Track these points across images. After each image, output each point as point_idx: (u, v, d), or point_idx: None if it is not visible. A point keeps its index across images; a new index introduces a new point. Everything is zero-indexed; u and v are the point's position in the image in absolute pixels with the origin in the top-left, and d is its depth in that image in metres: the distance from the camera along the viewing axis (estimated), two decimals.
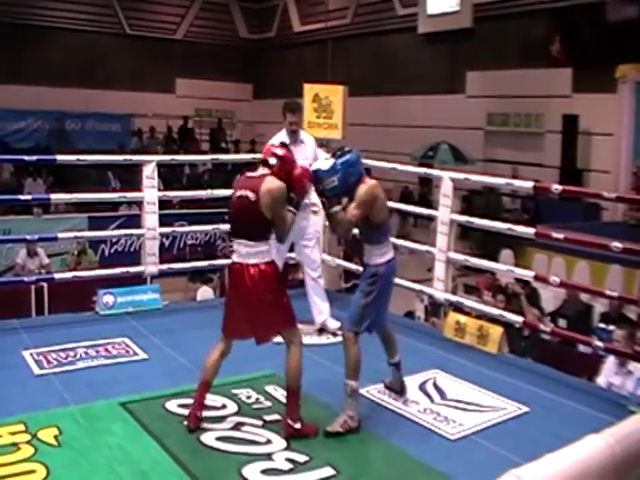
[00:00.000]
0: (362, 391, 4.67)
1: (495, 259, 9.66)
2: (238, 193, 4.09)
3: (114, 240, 12.86)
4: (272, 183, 4.01)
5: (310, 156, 5.81)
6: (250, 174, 4.15)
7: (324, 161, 4.30)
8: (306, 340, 5.73)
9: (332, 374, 4.53)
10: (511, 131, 15.83)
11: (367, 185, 4.23)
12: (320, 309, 6.03)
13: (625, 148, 13.29)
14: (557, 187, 5.63)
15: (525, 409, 4.60)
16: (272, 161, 4.09)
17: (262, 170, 4.11)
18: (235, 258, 4.11)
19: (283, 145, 4.33)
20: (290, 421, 4.04)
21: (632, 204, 11.16)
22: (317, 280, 6.07)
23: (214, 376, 4.21)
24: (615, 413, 4.30)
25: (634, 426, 1.48)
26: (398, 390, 4.71)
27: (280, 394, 4.57)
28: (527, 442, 3.95)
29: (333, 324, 5.87)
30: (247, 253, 4.03)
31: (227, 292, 4.28)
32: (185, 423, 4.09)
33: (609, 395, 5.20)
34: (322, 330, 5.96)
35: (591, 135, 14.09)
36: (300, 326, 6.07)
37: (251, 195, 3.99)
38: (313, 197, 5.55)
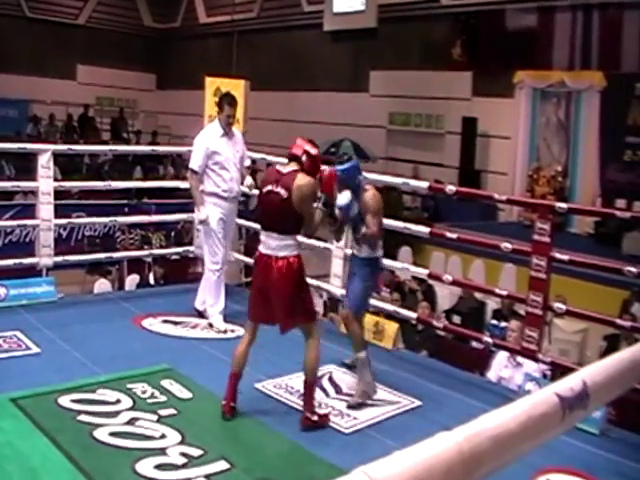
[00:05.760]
0: (258, 385, 4.72)
1: (394, 256, 9.84)
2: (268, 188, 4.22)
3: (8, 230, 12.44)
4: (303, 179, 4.16)
5: (241, 149, 6.06)
6: (281, 169, 4.28)
7: (341, 197, 4.52)
8: (202, 334, 5.77)
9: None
10: (412, 131, 16.10)
11: (371, 192, 4.67)
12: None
13: (521, 151, 13.75)
14: (451, 188, 5.80)
15: (418, 403, 4.74)
16: (304, 159, 4.22)
17: (293, 166, 4.24)
18: (264, 250, 4.24)
19: (313, 143, 4.44)
20: (308, 413, 4.21)
21: (522, 206, 11.54)
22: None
23: (243, 367, 4.30)
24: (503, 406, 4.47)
25: (483, 424, 1.56)
26: (351, 365, 5.12)
27: (176, 389, 4.55)
28: (419, 435, 4.00)
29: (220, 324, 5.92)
30: (277, 246, 4.18)
31: (253, 280, 4.46)
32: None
33: (498, 389, 5.38)
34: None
35: (489, 138, 14.48)
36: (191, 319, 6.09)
37: (283, 192, 4.13)
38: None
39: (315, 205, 4.32)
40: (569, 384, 1.85)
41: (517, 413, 1.67)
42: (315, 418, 4.23)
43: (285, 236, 4.19)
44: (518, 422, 1.64)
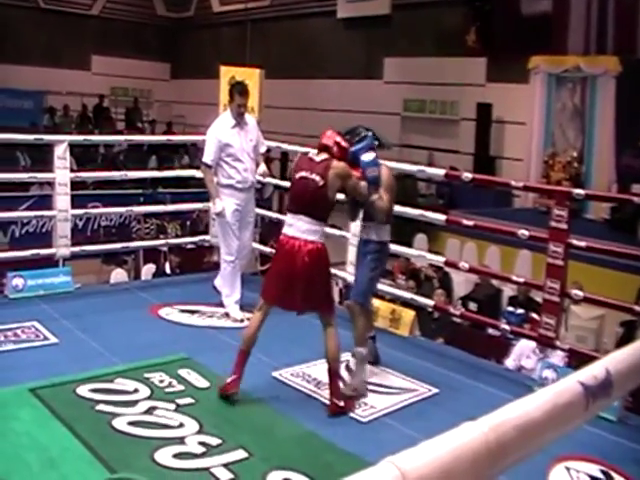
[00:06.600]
0: (275, 374, 4.73)
1: (410, 243, 9.82)
2: (302, 174, 4.31)
3: (25, 221, 12.49)
4: (338, 164, 4.29)
5: (255, 137, 5.98)
6: (313, 157, 4.38)
7: (366, 155, 4.49)
8: (219, 323, 5.79)
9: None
10: (427, 118, 16.05)
11: (386, 168, 4.64)
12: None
13: (536, 137, 13.67)
14: (467, 175, 5.77)
15: (435, 390, 4.73)
16: (335, 149, 4.34)
17: (324, 155, 4.33)
18: (292, 232, 4.27)
19: (341, 134, 4.51)
20: (335, 399, 4.29)
21: (539, 193, 11.51)
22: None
23: (253, 346, 4.34)
24: (520, 394, 4.45)
25: (508, 414, 1.56)
26: (372, 361, 4.98)
27: (194, 378, 4.57)
28: (436, 423, 3.99)
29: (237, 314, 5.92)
30: (308, 230, 4.24)
31: (276, 262, 4.43)
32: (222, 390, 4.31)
33: (515, 376, 5.38)
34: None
35: (504, 124, 14.42)
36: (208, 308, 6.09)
37: (318, 179, 4.24)
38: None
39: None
40: (592, 372, 1.84)
41: (541, 402, 1.67)
42: (342, 404, 4.28)
43: (315, 221, 4.25)
44: (543, 411, 1.63)
